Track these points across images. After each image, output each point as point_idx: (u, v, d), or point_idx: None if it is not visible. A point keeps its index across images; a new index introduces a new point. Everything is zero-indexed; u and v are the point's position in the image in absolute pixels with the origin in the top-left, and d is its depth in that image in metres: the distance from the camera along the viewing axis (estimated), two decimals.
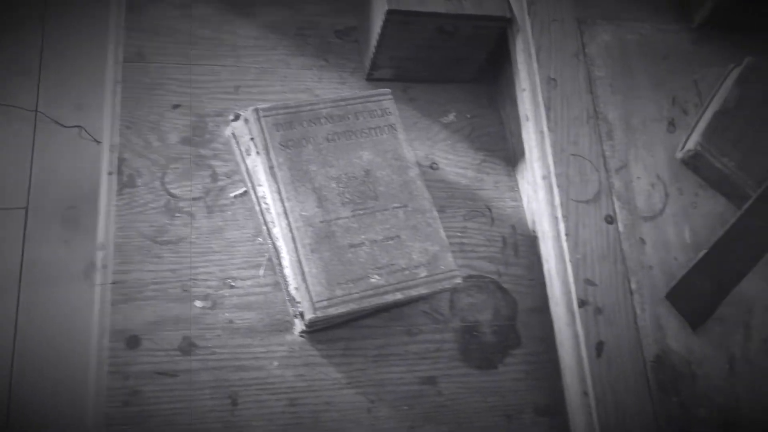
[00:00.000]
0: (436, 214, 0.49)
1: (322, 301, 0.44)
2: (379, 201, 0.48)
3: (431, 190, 0.52)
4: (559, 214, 0.50)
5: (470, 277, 0.53)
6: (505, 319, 0.53)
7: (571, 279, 0.49)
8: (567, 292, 0.49)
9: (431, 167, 0.57)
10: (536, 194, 0.53)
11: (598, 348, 0.48)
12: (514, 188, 0.58)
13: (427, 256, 0.47)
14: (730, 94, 0.55)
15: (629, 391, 0.47)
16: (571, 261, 0.49)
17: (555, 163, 0.52)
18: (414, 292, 0.46)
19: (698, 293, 0.50)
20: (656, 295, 0.50)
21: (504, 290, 0.54)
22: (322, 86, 0.59)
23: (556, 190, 0.51)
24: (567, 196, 0.51)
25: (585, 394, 0.47)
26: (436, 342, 0.50)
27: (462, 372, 0.50)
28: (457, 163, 0.58)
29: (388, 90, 0.53)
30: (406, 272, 0.46)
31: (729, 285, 0.51)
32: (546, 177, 0.52)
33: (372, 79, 0.60)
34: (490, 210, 0.57)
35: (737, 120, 0.54)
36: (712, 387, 0.49)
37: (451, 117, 0.60)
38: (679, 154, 0.54)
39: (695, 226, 0.53)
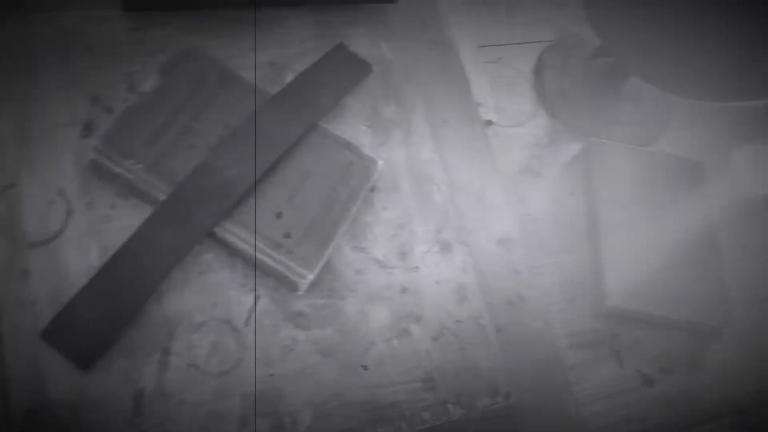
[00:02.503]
0: None
1: None
2: None
3: None
4: None
5: None
6: None
7: None
8: None
9: None
10: None
11: None
12: None
13: None
14: (149, 84, 0.48)
15: None
16: None
17: None
18: None
19: (86, 325, 0.42)
20: (37, 335, 0.42)
21: None
22: None
23: None
24: None
25: None
26: None
27: None
28: None
29: None
30: None
31: (131, 309, 0.43)
32: None
33: None
34: None
35: (154, 115, 0.47)
36: None
37: None
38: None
39: (108, 243, 0.45)
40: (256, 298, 0.47)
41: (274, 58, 0.54)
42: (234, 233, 0.46)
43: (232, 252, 0.47)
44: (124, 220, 0.46)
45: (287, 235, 0.47)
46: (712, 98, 0.58)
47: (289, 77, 0.53)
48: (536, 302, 0.53)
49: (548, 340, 0.52)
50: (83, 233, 0.45)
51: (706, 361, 0.58)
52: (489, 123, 0.67)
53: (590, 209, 0.63)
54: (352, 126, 0.54)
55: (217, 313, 0.46)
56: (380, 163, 0.51)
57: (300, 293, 0.47)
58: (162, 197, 0.45)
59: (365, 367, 0.47)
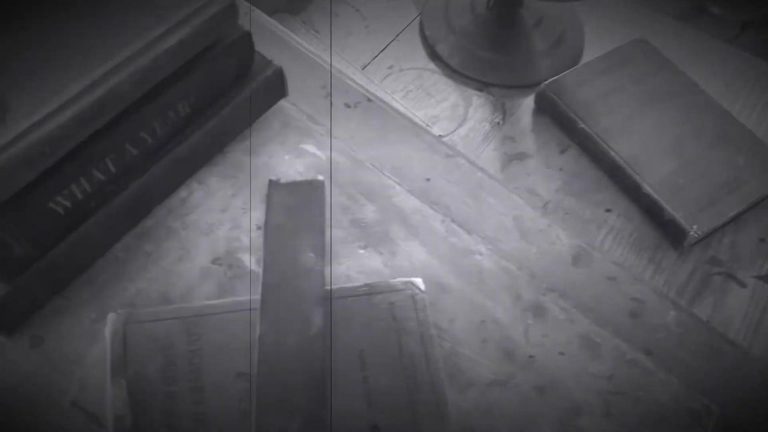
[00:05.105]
0: None
1: None
2: None
3: None
4: None
5: None
6: None
7: None
8: None
9: None
10: None
11: None
12: None
13: None
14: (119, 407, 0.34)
15: None
16: None
17: None
18: None
19: None
20: None
21: None
22: None
23: None
24: None
25: None
26: None
27: None
28: None
29: None
30: None
31: None
32: None
33: None
34: None
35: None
36: None
37: None
38: None
39: None
40: None
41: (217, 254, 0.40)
42: None
43: None
44: None
45: None
46: None
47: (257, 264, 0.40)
48: (655, 301, 0.45)
49: (686, 318, 0.45)
50: None
51: None
52: (439, 139, 0.57)
53: (598, 148, 0.56)
54: (354, 259, 0.42)
55: None
56: (418, 281, 0.40)
57: None
58: None
59: None
